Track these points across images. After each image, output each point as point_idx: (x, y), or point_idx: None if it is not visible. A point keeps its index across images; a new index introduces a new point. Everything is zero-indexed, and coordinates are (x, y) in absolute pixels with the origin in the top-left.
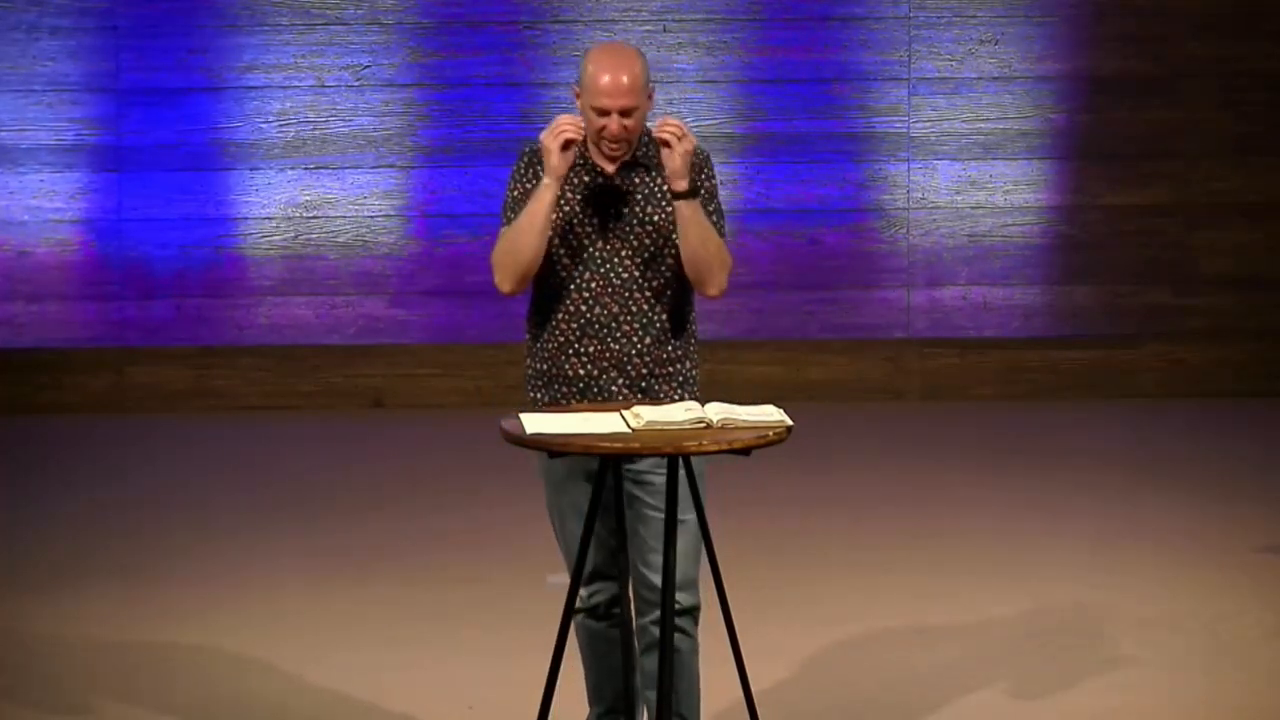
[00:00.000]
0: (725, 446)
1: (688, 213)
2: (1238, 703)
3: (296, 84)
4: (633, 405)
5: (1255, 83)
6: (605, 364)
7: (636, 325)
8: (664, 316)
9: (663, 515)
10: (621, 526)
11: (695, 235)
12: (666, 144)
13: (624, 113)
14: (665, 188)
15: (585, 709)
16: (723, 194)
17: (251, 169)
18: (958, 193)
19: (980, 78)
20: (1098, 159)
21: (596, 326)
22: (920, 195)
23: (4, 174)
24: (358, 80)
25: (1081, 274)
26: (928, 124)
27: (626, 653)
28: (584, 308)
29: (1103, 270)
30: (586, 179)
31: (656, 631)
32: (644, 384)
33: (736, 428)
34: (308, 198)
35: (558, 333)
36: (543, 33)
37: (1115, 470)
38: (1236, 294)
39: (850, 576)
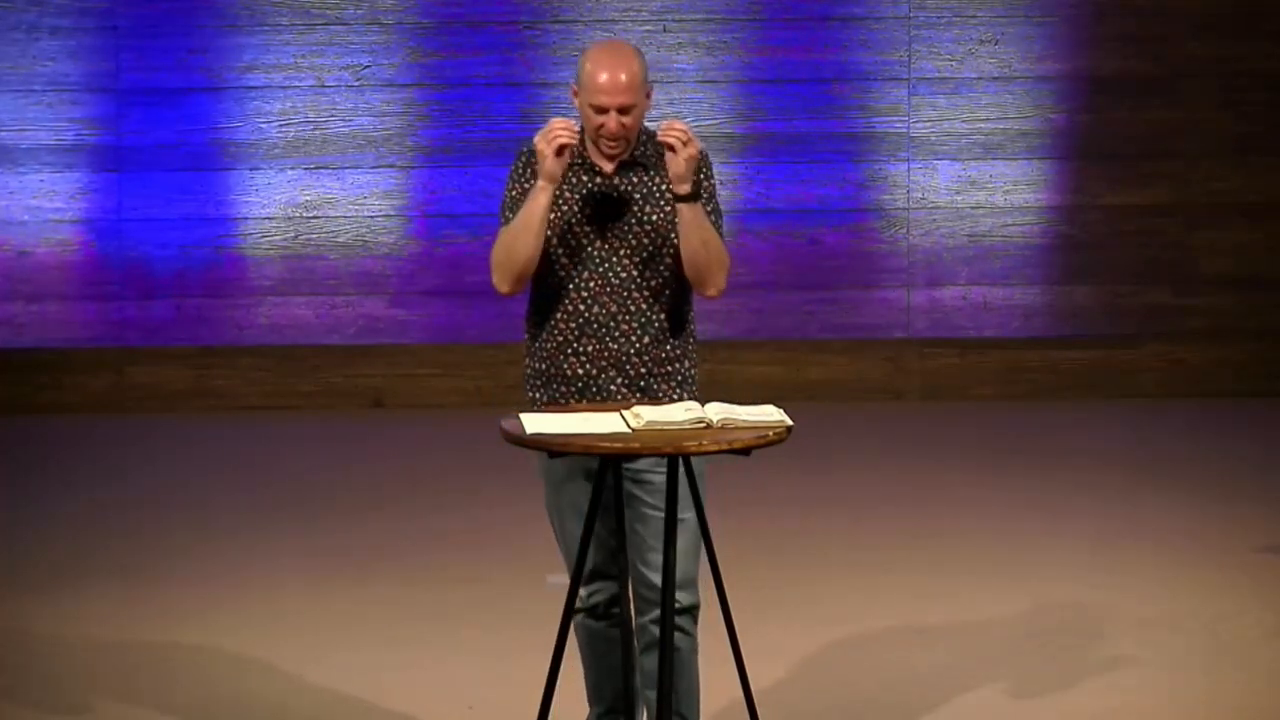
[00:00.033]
0: (725, 446)
1: (689, 215)
2: (1238, 703)
3: (296, 84)
4: (632, 405)
5: (1255, 83)
6: (604, 363)
7: (635, 325)
8: (662, 316)
9: (661, 514)
10: (621, 526)
11: (697, 237)
12: (671, 148)
13: (622, 110)
14: (663, 187)
15: (585, 709)
16: (723, 194)
17: (251, 169)
18: (958, 193)
19: (980, 78)
20: (1098, 159)
21: (595, 326)
22: (920, 195)
23: (4, 174)
24: (358, 80)
25: (1081, 274)
26: (928, 124)
27: (626, 652)
28: (582, 307)
29: (1103, 270)
30: (585, 179)
31: (656, 630)
32: (643, 383)
33: (736, 428)
34: (308, 198)
35: (556, 332)
36: (543, 33)
37: (1115, 470)
38: (1236, 294)
39: (850, 576)
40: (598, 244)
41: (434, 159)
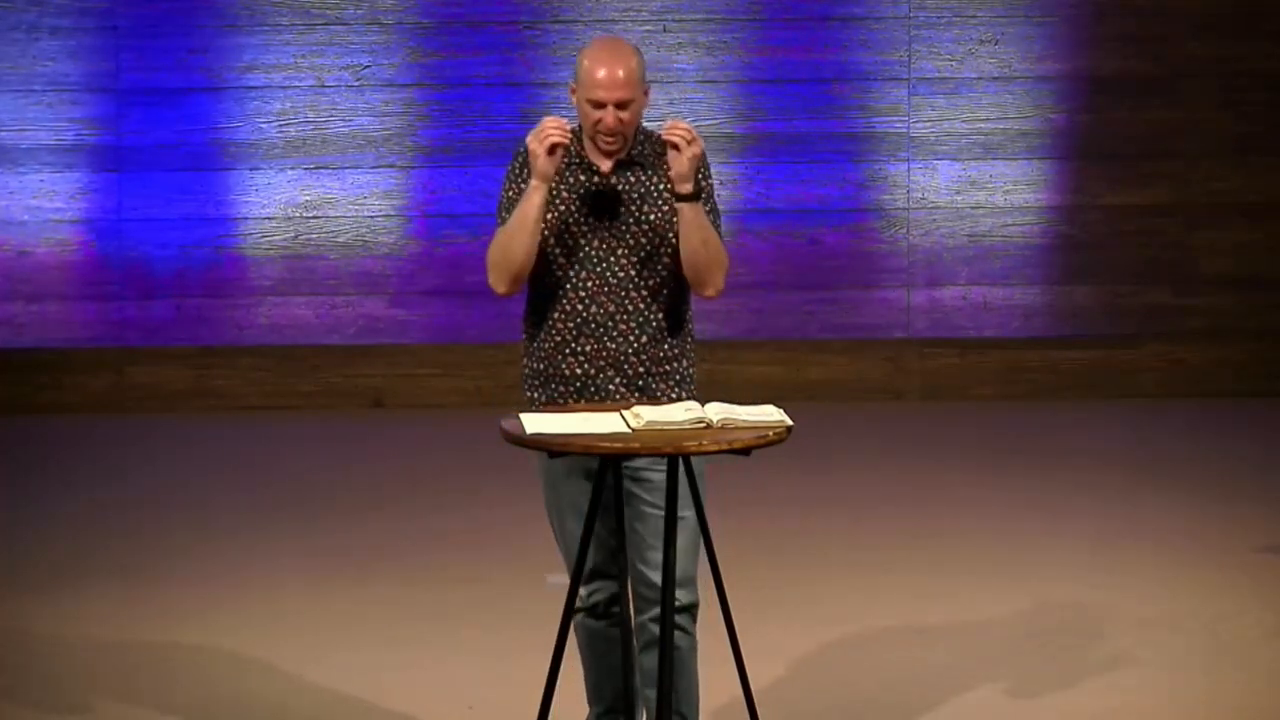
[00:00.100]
0: (725, 446)
1: (690, 215)
2: (1238, 703)
3: (296, 84)
4: (632, 405)
5: (1255, 83)
6: (602, 363)
7: (633, 324)
8: (660, 315)
9: (661, 512)
10: (621, 526)
11: (697, 237)
12: (675, 147)
13: (619, 105)
14: (661, 187)
15: (585, 709)
16: (723, 194)
17: (251, 169)
18: (958, 193)
19: (980, 78)
20: (1098, 159)
21: (593, 325)
22: (920, 195)
23: (4, 174)
24: (358, 80)
25: (1081, 274)
26: (928, 124)
27: (626, 652)
28: (580, 307)
29: (1103, 270)
30: (582, 178)
31: (655, 629)
32: (641, 383)
33: (736, 428)
34: (308, 198)
35: (554, 332)
36: (543, 33)
37: (1115, 470)
38: (1236, 294)
39: (850, 576)
40: (595, 243)
41: (434, 159)
